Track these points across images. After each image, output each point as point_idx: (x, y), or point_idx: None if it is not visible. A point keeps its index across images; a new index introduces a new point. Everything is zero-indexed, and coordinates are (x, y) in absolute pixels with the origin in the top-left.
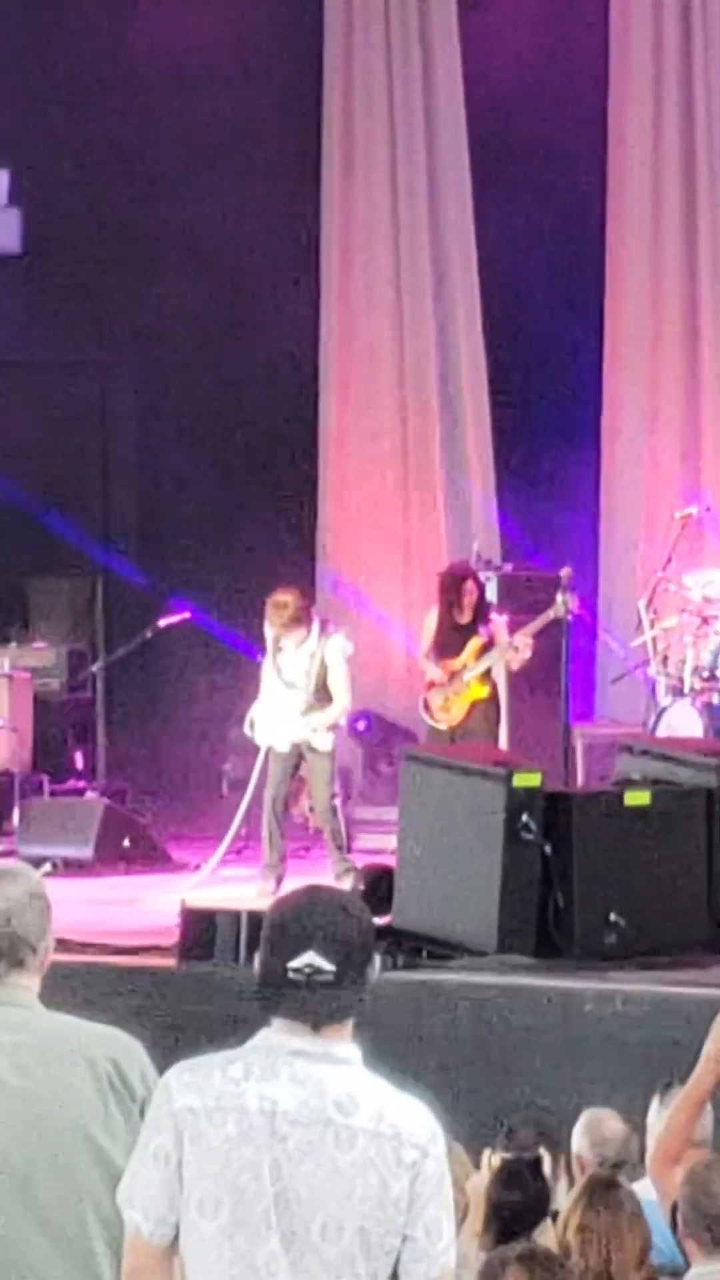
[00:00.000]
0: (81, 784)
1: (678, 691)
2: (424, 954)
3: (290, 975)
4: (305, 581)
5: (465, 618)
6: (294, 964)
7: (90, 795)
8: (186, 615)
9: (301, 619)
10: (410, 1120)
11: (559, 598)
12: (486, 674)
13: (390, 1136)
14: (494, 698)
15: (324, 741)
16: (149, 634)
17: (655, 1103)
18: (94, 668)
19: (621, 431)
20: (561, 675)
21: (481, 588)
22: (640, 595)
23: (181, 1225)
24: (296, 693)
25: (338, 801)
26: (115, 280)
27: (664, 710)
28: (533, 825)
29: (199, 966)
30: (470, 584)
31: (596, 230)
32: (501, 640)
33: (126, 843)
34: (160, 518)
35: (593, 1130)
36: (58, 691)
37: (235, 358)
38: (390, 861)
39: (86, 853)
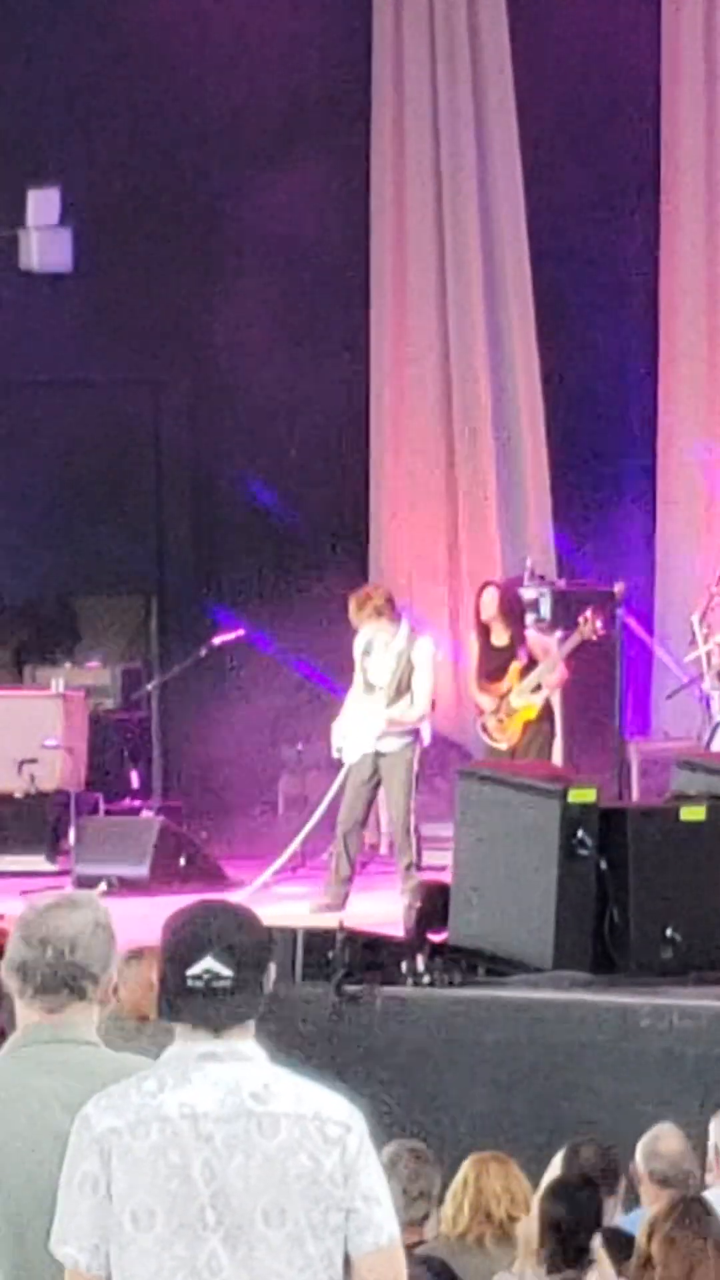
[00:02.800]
0: (136, 803)
1: None
2: (480, 970)
3: (189, 983)
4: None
5: (501, 640)
6: (192, 971)
7: (145, 814)
8: (240, 633)
9: (385, 613)
10: (327, 1099)
11: (582, 620)
12: (536, 691)
13: (311, 1116)
14: (547, 715)
15: (394, 744)
16: (203, 652)
17: (716, 1119)
18: (148, 686)
19: (677, 445)
20: (616, 690)
21: (507, 604)
22: (694, 609)
23: (114, 1245)
24: (378, 694)
25: (414, 818)
26: (167, 297)
27: (719, 725)
28: (588, 841)
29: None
30: (485, 599)
31: (651, 238)
32: (543, 657)
33: (182, 861)
34: (214, 535)
35: (648, 1145)
36: (112, 710)
37: (288, 374)
38: (446, 878)
39: (142, 871)
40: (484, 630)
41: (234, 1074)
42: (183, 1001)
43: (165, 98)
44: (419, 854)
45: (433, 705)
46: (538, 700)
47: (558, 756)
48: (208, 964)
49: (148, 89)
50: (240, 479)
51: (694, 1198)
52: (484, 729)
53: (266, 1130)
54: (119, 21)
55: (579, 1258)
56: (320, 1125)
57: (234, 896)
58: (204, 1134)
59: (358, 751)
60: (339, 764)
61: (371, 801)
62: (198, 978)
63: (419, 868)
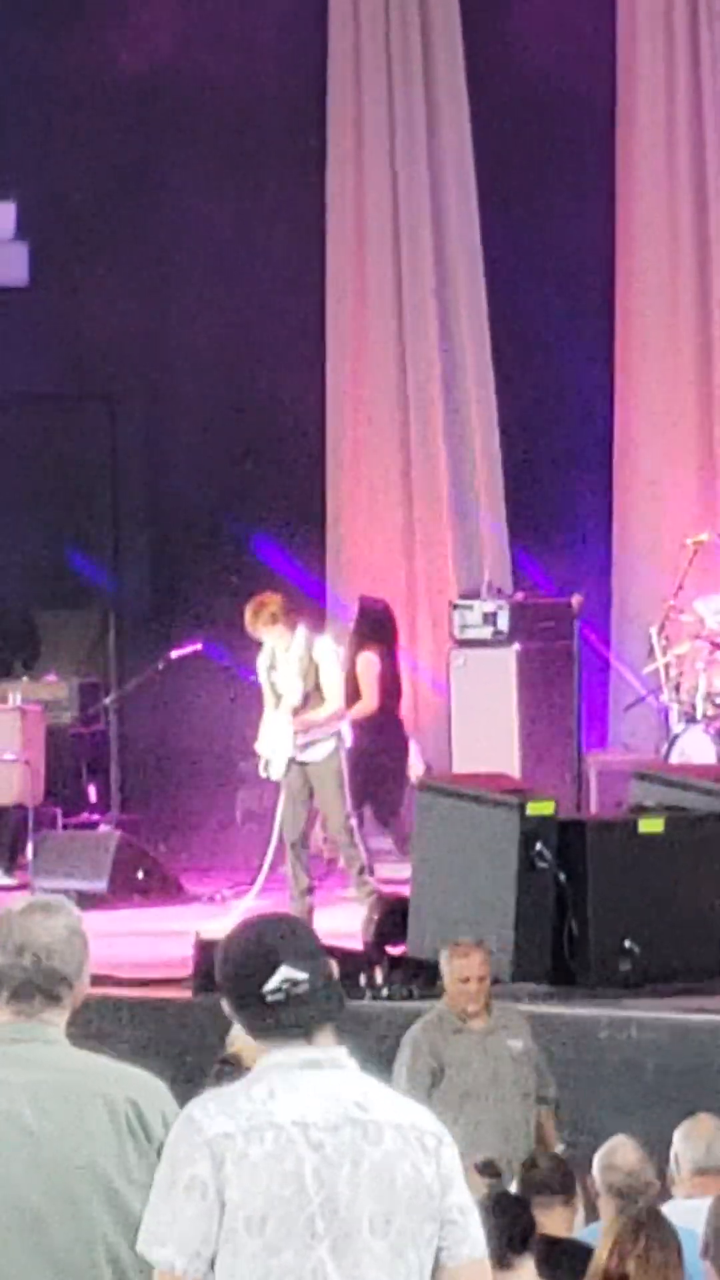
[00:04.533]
0: (95, 817)
1: (690, 718)
2: (439, 983)
3: (270, 998)
4: (316, 611)
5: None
6: (270, 985)
7: (104, 828)
8: (198, 647)
9: (279, 619)
10: (419, 1111)
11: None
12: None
13: (410, 1126)
14: (366, 726)
15: (319, 752)
16: (161, 666)
17: (680, 1130)
18: (106, 700)
19: (632, 458)
20: (574, 703)
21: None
22: (652, 622)
23: (226, 1250)
24: (286, 703)
25: (354, 821)
26: (122, 312)
27: (677, 737)
28: (547, 853)
29: (215, 998)
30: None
31: (607, 256)
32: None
33: (140, 875)
34: (171, 549)
35: (605, 1158)
36: (70, 724)
37: (243, 388)
38: (404, 891)
39: (100, 885)
40: None
41: (336, 1082)
42: (270, 1018)
43: (121, 113)
44: (368, 855)
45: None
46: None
47: (516, 768)
48: (284, 974)
49: (104, 104)
50: (200, 505)
51: (651, 1209)
52: None
53: (372, 1138)
54: (75, 37)
55: (508, 1270)
56: (419, 1135)
57: (194, 915)
58: (314, 1142)
59: (282, 764)
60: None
61: (311, 809)
62: (277, 990)
63: (370, 871)
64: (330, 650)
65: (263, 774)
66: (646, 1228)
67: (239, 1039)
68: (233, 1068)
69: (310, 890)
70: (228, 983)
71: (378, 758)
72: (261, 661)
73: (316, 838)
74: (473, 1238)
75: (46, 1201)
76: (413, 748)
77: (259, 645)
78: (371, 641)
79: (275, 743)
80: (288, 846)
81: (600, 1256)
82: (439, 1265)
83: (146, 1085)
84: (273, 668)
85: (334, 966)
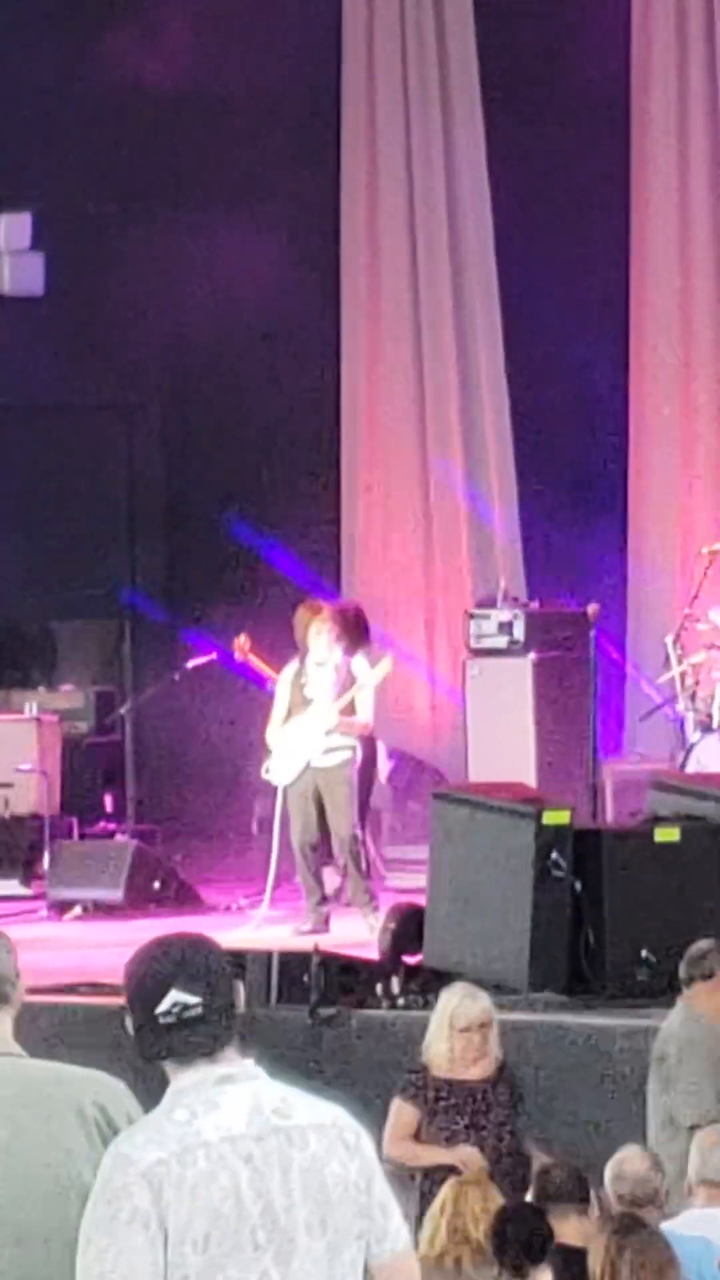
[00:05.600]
0: (111, 826)
1: (706, 727)
2: None
3: (161, 1020)
4: None
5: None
6: (160, 1009)
7: (119, 837)
8: (214, 656)
9: (334, 631)
10: (336, 1109)
11: (373, 670)
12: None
13: (331, 1125)
14: None
15: (333, 759)
16: (177, 676)
17: (694, 1141)
18: (122, 710)
19: (648, 466)
20: (590, 712)
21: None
22: (668, 631)
23: (176, 1275)
24: (319, 708)
25: (359, 830)
26: (139, 322)
27: (693, 746)
28: (563, 862)
29: None
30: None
31: (622, 261)
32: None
33: (156, 885)
34: (187, 559)
35: (614, 1168)
36: (86, 734)
37: (259, 398)
38: (420, 900)
39: (116, 895)
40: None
41: (251, 1092)
42: (162, 1040)
43: (138, 125)
44: (368, 865)
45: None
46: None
47: (531, 777)
48: (174, 997)
49: (120, 116)
50: (217, 514)
51: (634, 1218)
52: None
53: (298, 1143)
54: (92, 50)
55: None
56: (339, 1133)
57: (211, 925)
58: (244, 1155)
59: (293, 769)
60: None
61: (322, 816)
62: (168, 1013)
63: (368, 875)
64: (366, 667)
65: (265, 776)
66: (630, 1234)
67: (430, 1049)
68: (420, 1076)
69: (325, 899)
70: (128, 1003)
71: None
72: (291, 670)
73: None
74: (393, 1232)
75: (24, 1214)
76: (380, 748)
77: (297, 651)
78: (348, 647)
79: (296, 746)
80: (297, 854)
81: (592, 1268)
82: (365, 1260)
83: (109, 1086)
84: (302, 674)
85: (240, 991)
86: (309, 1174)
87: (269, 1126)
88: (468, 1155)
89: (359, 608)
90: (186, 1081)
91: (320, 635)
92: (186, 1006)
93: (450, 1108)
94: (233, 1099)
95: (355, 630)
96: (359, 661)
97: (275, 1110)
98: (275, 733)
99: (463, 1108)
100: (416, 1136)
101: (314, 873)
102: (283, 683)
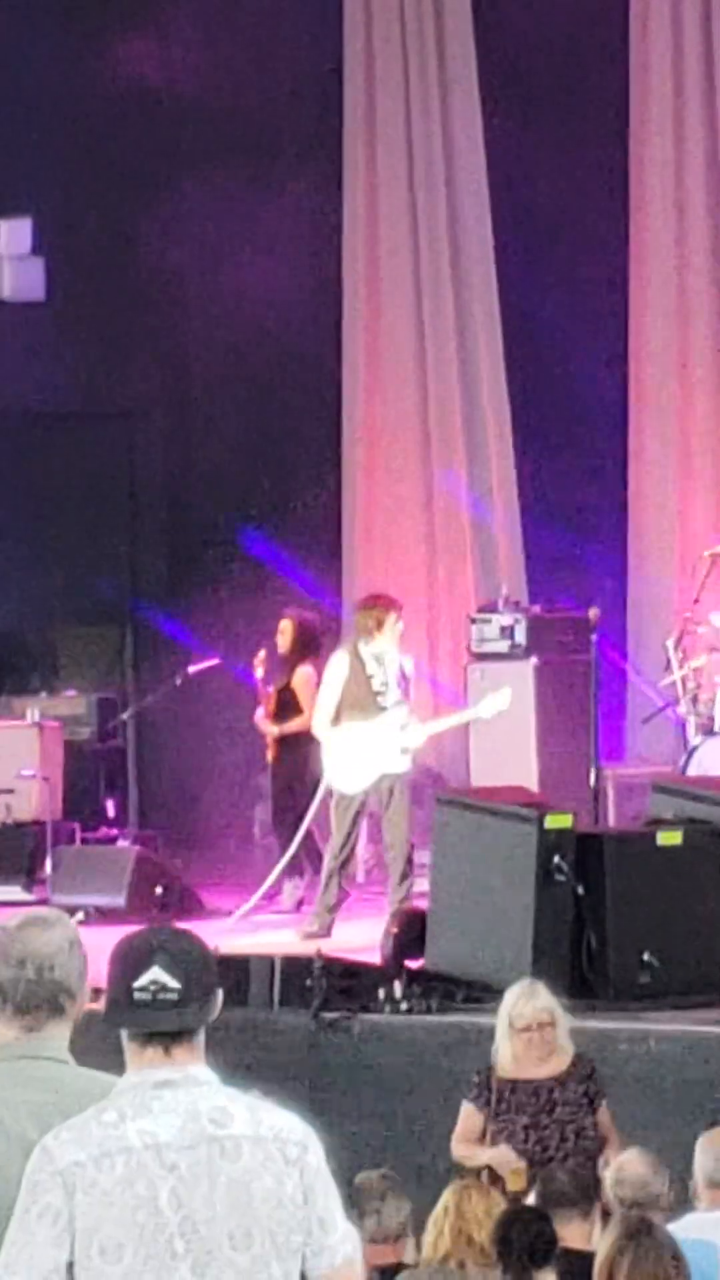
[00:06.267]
0: (113, 832)
1: (708, 730)
2: (457, 997)
3: (136, 995)
4: (334, 628)
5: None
6: (139, 983)
7: (122, 843)
8: (216, 662)
9: (398, 628)
10: (284, 1120)
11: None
12: (267, 719)
13: (271, 1138)
14: (296, 741)
15: (406, 764)
16: (178, 681)
17: (699, 1143)
18: (124, 715)
19: (649, 470)
20: (591, 716)
21: (297, 630)
22: (669, 634)
23: (82, 1277)
24: (393, 713)
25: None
26: (140, 328)
27: (695, 749)
28: (565, 866)
29: (233, 1012)
30: (282, 624)
31: (621, 265)
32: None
33: (159, 890)
34: (189, 565)
35: (615, 1172)
36: (88, 740)
37: (260, 403)
38: (423, 904)
39: (119, 901)
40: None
41: (190, 1099)
42: (129, 1012)
43: (138, 129)
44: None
45: None
46: (273, 729)
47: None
48: (154, 974)
49: (120, 121)
50: (219, 520)
51: (643, 1219)
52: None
53: (229, 1154)
54: (91, 55)
55: None
56: (280, 1146)
57: (215, 930)
58: (168, 1163)
59: (367, 778)
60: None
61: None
62: (144, 989)
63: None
64: (411, 665)
65: (343, 788)
66: (636, 1238)
67: (497, 1050)
68: (483, 1076)
69: (337, 907)
70: (109, 974)
71: (301, 769)
72: (342, 662)
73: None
74: (332, 1246)
75: None
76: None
77: (354, 653)
78: (306, 656)
79: (367, 752)
80: (336, 863)
81: (597, 1271)
82: (304, 1274)
83: None
84: (369, 676)
85: (219, 996)
86: (237, 1185)
87: (202, 1135)
88: (501, 1156)
89: (317, 619)
90: (128, 1081)
91: (395, 630)
92: (164, 988)
93: (512, 1107)
94: (167, 1105)
95: (311, 640)
96: (408, 661)
97: (212, 1119)
98: (328, 729)
99: (525, 1106)
100: (483, 1137)
101: (341, 885)
102: (335, 676)
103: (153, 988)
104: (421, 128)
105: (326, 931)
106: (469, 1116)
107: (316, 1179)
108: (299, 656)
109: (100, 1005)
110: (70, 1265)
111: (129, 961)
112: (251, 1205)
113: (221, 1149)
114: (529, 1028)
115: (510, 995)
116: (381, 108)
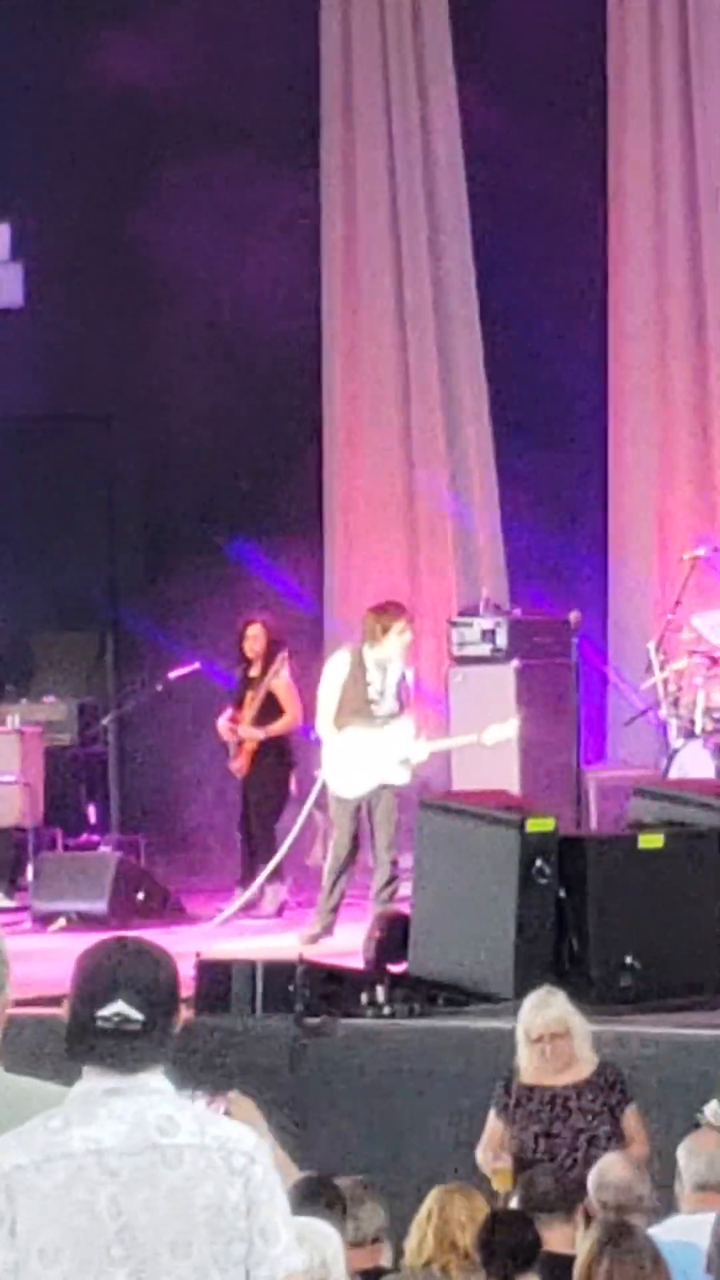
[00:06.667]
0: (94, 838)
1: (689, 733)
2: (440, 1001)
3: (99, 1024)
4: (314, 631)
5: (254, 670)
6: (103, 1012)
7: (103, 849)
8: (196, 667)
9: (406, 637)
10: (232, 1130)
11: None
12: (253, 724)
13: (217, 1148)
14: (274, 748)
15: (403, 775)
16: (159, 686)
17: (683, 1146)
18: (105, 721)
19: (630, 473)
20: (573, 719)
21: (270, 634)
22: (650, 637)
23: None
24: (397, 724)
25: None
26: (118, 333)
27: (676, 752)
28: (547, 870)
29: (216, 1018)
30: (253, 630)
31: (600, 268)
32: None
33: (140, 896)
34: (168, 569)
35: (597, 1176)
36: (69, 746)
37: (239, 408)
38: (406, 909)
39: (100, 906)
40: (245, 659)
41: (138, 1108)
42: (91, 1042)
43: (116, 134)
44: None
45: None
46: (259, 733)
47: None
48: (119, 1007)
49: (98, 125)
50: (197, 524)
51: (622, 1223)
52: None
53: (171, 1162)
54: (69, 58)
55: None
56: (225, 1156)
57: (199, 933)
58: (110, 1169)
59: (369, 784)
60: (304, 797)
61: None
62: (108, 1019)
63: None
64: (412, 678)
65: (338, 791)
66: (614, 1241)
67: (518, 1058)
68: (505, 1084)
69: (337, 909)
70: (71, 994)
71: (285, 772)
72: (343, 664)
73: (316, 856)
74: (274, 1259)
75: None
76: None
77: (356, 655)
78: (276, 659)
79: (367, 760)
80: (341, 866)
81: (576, 1272)
82: None
83: None
84: (367, 682)
85: (182, 1014)
86: (178, 1194)
87: (147, 1143)
88: (501, 1166)
89: (282, 621)
90: (79, 1089)
91: (400, 639)
92: (128, 1019)
93: (528, 1115)
94: (114, 1112)
95: (282, 642)
96: (409, 675)
97: (158, 1127)
98: (331, 729)
99: (539, 1114)
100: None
101: (344, 888)
102: (335, 676)
103: (116, 1019)
104: (402, 133)
105: (329, 931)
106: (492, 1124)
107: (261, 1190)
108: (271, 660)
109: (19, 1010)
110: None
111: (92, 990)
112: (192, 1213)
113: (164, 1156)
114: (541, 1038)
115: (525, 1004)
116: (359, 108)
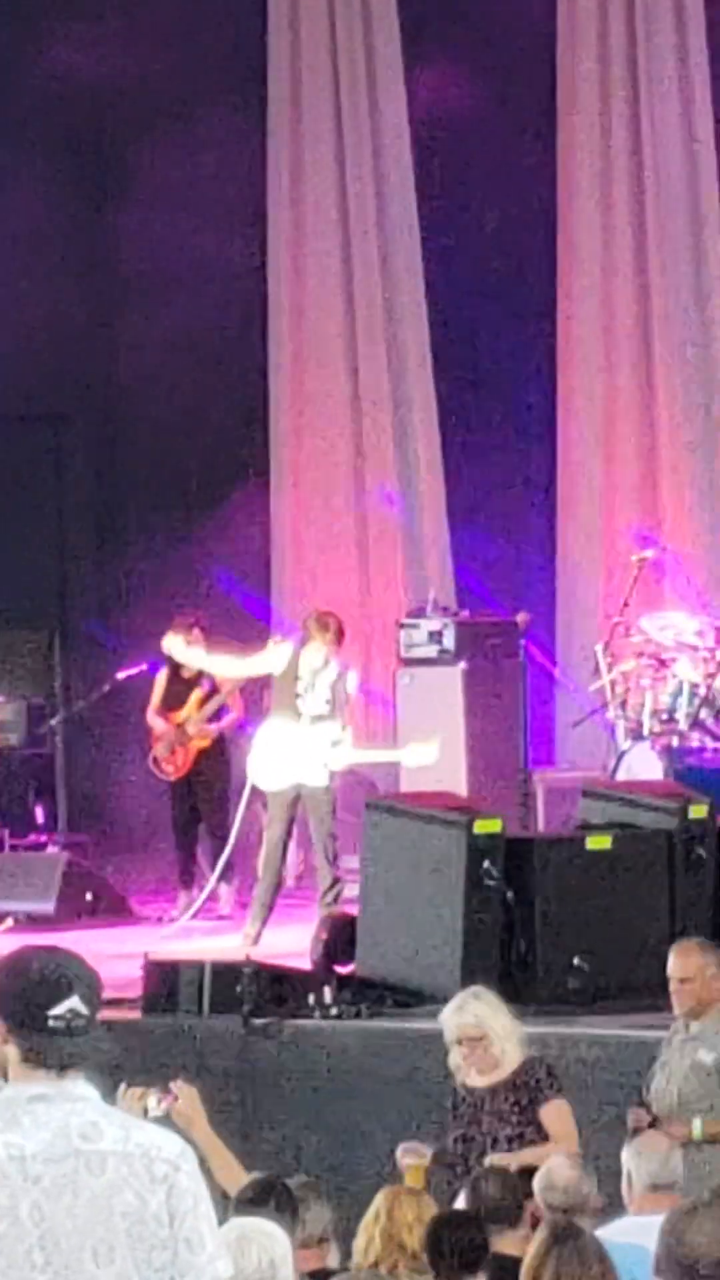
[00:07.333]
0: (42, 838)
1: (637, 735)
2: (387, 1002)
3: (51, 1023)
4: (263, 631)
5: (188, 671)
6: (55, 1011)
7: (51, 849)
8: (144, 667)
9: (339, 640)
10: (157, 1138)
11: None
12: (208, 722)
13: (140, 1155)
14: (220, 749)
15: (322, 778)
16: (108, 686)
17: (630, 1147)
18: (53, 721)
19: (576, 475)
20: (520, 720)
21: (207, 634)
22: (597, 639)
23: None
24: (321, 725)
25: (331, 838)
26: (70, 332)
27: (624, 754)
28: (494, 871)
29: (163, 1018)
30: (196, 633)
31: (548, 272)
32: (224, 688)
33: (88, 896)
34: (117, 568)
35: (544, 1177)
36: (16, 746)
37: (190, 408)
38: (353, 910)
39: (48, 907)
40: (172, 660)
41: (62, 1114)
42: (44, 1041)
43: (69, 131)
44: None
45: None
46: (213, 730)
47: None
48: (72, 1004)
49: (50, 123)
50: (147, 524)
51: (562, 1224)
52: (154, 761)
53: (94, 1168)
54: (20, 53)
55: None
56: (148, 1164)
57: (149, 936)
58: (32, 1175)
59: (283, 780)
60: (248, 795)
61: (292, 826)
62: (60, 1018)
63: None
64: (354, 686)
65: (256, 781)
66: (560, 1242)
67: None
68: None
69: (272, 907)
70: (13, 1001)
71: (223, 768)
72: (279, 664)
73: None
74: (199, 1266)
75: None
76: None
77: (295, 651)
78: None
79: (284, 753)
80: (270, 862)
81: (522, 1274)
82: None
83: None
84: (299, 678)
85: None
86: (99, 1200)
87: (69, 1150)
88: (411, 1161)
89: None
90: (3, 1096)
91: (327, 640)
92: (78, 1015)
93: (456, 1117)
94: (39, 1119)
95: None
96: (351, 677)
97: (82, 1134)
98: (271, 736)
99: (463, 1116)
100: None
101: (277, 885)
102: (274, 660)
103: (68, 1016)
104: (352, 125)
105: (261, 928)
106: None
107: (185, 1198)
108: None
109: None
110: None
111: (43, 990)
112: (113, 1221)
113: (87, 1163)
114: (460, 1041)
115: (447, 1006)
116: (307, 99)
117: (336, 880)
